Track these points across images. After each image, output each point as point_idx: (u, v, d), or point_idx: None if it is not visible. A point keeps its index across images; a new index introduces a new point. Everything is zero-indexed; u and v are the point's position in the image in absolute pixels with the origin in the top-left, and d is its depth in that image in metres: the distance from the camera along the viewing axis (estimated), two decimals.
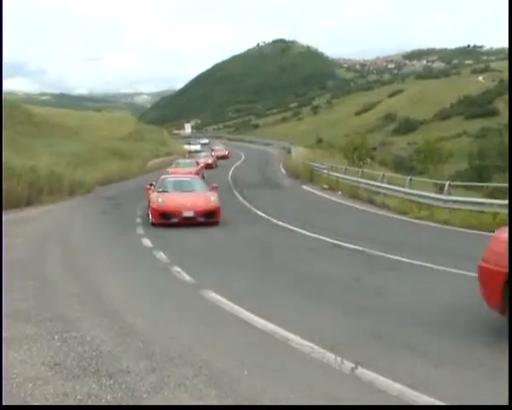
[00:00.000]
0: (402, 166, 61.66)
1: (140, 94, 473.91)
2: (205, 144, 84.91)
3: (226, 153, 66.23)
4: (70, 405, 4.46)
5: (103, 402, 4.52)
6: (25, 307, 7.48)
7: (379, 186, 23.98)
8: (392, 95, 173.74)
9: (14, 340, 6.05)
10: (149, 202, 17.14)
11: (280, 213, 18.77)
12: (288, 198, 26.32)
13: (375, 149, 68.86)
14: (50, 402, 4.53)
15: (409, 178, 22.99)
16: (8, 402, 4.51)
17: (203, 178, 29.18)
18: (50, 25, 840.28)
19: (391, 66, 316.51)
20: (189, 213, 16.38)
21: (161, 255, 11.55)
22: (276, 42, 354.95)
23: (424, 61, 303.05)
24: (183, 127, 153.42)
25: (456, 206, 18.02)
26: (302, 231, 15.12)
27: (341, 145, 51.77)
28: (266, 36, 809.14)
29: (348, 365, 5.30)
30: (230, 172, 42.20)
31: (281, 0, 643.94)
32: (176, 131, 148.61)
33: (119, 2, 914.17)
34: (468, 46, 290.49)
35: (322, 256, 11.91)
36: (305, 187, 30.71)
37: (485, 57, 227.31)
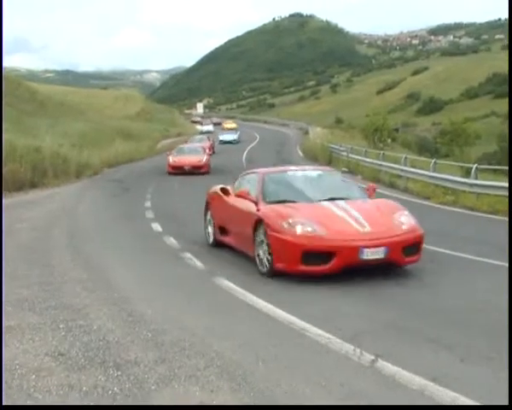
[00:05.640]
0: (426, 148, 61.35)
1: (149, 71, 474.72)
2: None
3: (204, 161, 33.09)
4: (70, 405, 4.47)
5: (110, 394, 4.54)
6: (28, 294, 7.53)
7: (401, 169, 23.82)
8: (416, 72, 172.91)
9: (16, 329, 6.10)
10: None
11: None
12: None
13: (397, 130, 68.45)
14: (54, 395, 4.55)
15: (433, 160, 22.80)
16: (9, 394, 4.54)
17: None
18: None
19: (415, 41, 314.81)
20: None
21: (172, 241, 11.57)
22: (293, 16, 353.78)
23: (451, 37, 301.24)
24: (194, 107, 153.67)
25: (483, 190, 17.83)
26: None
27: (362, 126, 51.48)
28: (283, 10, 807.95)
29: (368, 357, 5.27)
30: (245, 154, 42.17)
31: None
32: (187, 111, 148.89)
33: None
34: (499, 19, 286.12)
35: None
36: None
37: None
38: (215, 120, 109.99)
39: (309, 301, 7.26)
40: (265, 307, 6.92)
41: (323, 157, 34.50)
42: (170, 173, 28.57)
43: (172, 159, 29.47)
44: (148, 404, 4.46)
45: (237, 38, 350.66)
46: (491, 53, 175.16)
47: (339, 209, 8.87)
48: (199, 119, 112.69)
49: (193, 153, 30.88)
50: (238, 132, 65.42)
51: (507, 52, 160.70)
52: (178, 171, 28.34)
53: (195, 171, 28.39)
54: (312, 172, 11.02)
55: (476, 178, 18.62)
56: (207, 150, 32.95)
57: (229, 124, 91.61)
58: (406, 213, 9.14)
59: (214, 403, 4.42)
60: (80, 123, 45.91)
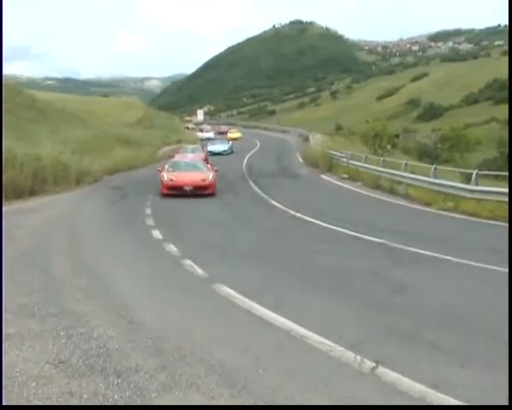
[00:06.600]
0: (426, 154, 61.31)
1: (150, 78, 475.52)
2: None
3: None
4: (72, 405, 4.47)
5: (110, 402, 4.54)
6: (29, 301, 7.52)
7: (402, 176, 23.82)
8: (416, 79, 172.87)
9: (17, 336, 6.10)
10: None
11: (297, 203, 18.73)
12: (305, 188, 26.27)
13: (397, 136, 68.44)
14: (54, 402, 4.56)
15: (433, 166, 22.80)
16: (9, 401, 4.54)
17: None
18: (54, 4, 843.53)
19: (415, 48, 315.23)
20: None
21: (172, 248, 11.55)
22: (293, 23, 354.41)
23: (450, 43, 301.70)
24: (195, 114, 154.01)
25: (483, 196, 17.84)
26: (320, 223, 15.08)
27: (362, 132, 51.53)
28: (283, 17, 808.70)
29: (368, 364, 5.28)
30: (245, 161, 42.18)
31: None
32: (187, 118, 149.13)
33: None
34: (499, 26, 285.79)
35: (341, 249, 11.87)
36: (323, 176, 30.64)
37: None
38: (223, 128, 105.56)
39: (309, 310, 7.25)
40: (265, 314, 6.92)
41: (324, 164, 34.54)
42: (164, 195, 21.79)
43: (168, 177, 22.35)
44: (148, 404, 4.48)
45: (238, 44, 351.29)
46: (491, 59, 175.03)
47: None
48: (207, 126, 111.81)
49: (194, 169, 23.73)
50: (230, 142, 59.55)
51: (506, 58, 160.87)
52: (177, 192, 21.64)
53: (199, 192, 21.77)
54: None
55: (477, 184, 18.61)
56: (209, 165, 25.88)
57: (234, 133, 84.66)
58: None
59: None
60: (80, 130, 45.85)
